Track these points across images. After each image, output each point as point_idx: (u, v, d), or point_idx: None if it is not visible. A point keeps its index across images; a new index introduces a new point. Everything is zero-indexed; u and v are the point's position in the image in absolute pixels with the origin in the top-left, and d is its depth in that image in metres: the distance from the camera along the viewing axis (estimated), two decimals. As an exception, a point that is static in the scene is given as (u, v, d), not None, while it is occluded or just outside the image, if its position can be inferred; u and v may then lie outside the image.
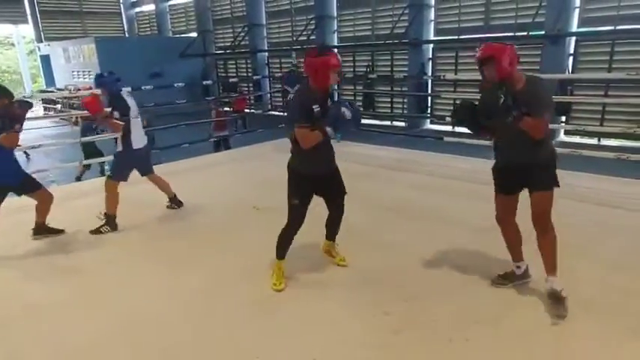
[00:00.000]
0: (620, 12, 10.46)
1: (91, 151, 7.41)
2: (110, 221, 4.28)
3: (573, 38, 11.29)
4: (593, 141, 11.20)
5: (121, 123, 4.16)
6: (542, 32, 11.26)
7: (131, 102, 4.26)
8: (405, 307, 2.89)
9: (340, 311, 2.90)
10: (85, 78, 20.95)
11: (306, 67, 2.84)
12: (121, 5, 27.45)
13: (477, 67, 2.75)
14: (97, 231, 4.21)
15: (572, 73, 11.25)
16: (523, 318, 2.74)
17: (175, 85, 6.80)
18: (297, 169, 3.02)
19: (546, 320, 2.68)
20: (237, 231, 4.29)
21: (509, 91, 2.62)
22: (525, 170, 2.77)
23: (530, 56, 11.94)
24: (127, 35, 27.24)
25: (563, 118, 11.52)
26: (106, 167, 6.77)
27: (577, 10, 11.16)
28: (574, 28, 11.29)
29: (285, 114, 3.05)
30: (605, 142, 11.11)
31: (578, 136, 11.54)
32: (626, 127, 8.67)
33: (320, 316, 2.87)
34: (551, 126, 3.03)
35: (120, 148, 4.30)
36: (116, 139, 4.36)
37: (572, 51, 11.37)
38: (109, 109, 4.26)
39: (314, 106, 2.79)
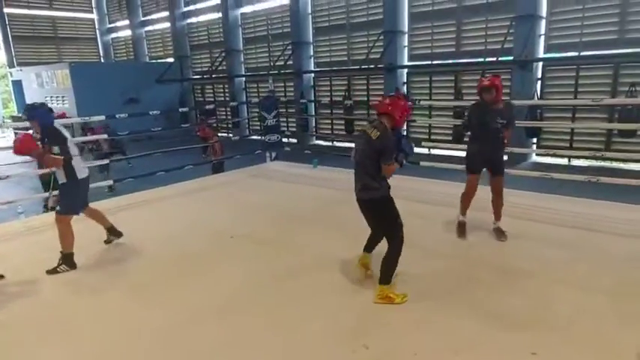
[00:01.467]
0: (584, 39, 10.96)
1: (47, 181, 7.09)
2: (67, 260, 4.01)
3: (540, 63, 11.74)
4: (564, 161, 11.54)
5: (59, 158, 3.88)
6: (511, 58, 11.67)
7: (67, 133, 4.04)
8: (385, 338, 2.86)
9: (319, 345, 2.84)
10: (59, 104, 20.62)
11: (397, 109, 3.20)
12: (97, 31, 27.35)
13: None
14: (54, 271, 3.96)
15: (540, 96, 11.65)
16: (501, 347, 2.74)
17: (151, 113, 6.72)
18: (387, 194, 3.31)
19: (525, 347, 2.69)
20: (212, 262, 4.19)
21: (494, 110, 4.15)
22: (495, 161, 4.33)
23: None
24: (102, 60, 27.07)
25: (535, 140, 11.88)
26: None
27: (542, 37, 11.65)
28: (541, 54, 11.76)
29: (364, 151, 3.26)
30: (575, 162, 11.45)
31: (548, 157, 11.87)
32: (594, 151, 9.01)
33: (300, 349, 2.81)
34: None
35: (64, 179, 4.01)
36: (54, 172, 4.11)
37: (539, 75, 11.81)
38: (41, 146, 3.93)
39: None
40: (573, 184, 5.86)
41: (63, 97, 20.38)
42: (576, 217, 4.84)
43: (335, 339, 2.89)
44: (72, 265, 4.03)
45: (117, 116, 6.30)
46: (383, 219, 3.33)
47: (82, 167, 4.16)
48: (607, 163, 10.83)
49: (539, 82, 11.82)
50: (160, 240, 4.74)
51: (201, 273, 3.95)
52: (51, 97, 21.37)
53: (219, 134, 17.26)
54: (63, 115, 17.50)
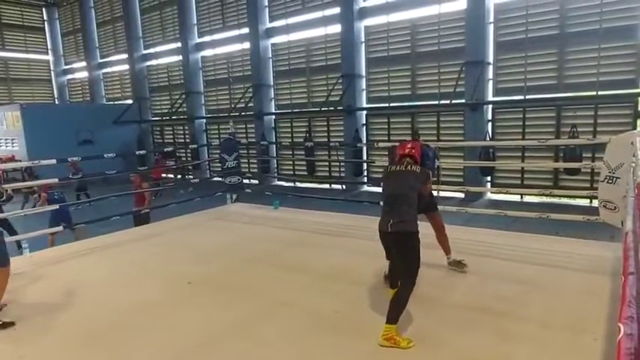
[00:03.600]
0: (528, 83, 11.75)
1: None
2: None
3: (490, 106, 12.43)
4: (517, 197, 12.02)
5: None
6: (463, 100, 12.29)
7: None
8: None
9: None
10: (8, 146, 19.81)
11: (417, 150, 3.74)
12: (52, 72, 26.82)
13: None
14: None
15: (491, 136, 12.26)
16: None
17: (105, 155, 6.52)
18: (417, 229, 3.36)
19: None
20: (169, 310, 3.97)
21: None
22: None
23: (455, 122, 12.94)
24: (57, 102, 26.42)
25: (489, 178, 12.38)
26: (25, 245, 6.10)
27: (491, 82, 12.39)
28: (490, 97, 12.47)
29: (409, 183, 3.54)
30: (527, 198, 11.95)
31: (502, 194, 12.33)
32: (543, 188, 9.48)
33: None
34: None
35: None
36: None
37: (490, 117, 12.47)
38: None
39: None
40: (526, 220, 6.09)
41: (12, 139, 19.62)
42: (531, 253, 4.96)
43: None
44: None
45: (69, 159, 6.06)
46: (410, 253, 3.34)
47: None
48: (556, 199, 11.37)
49: (490, 124, 12.46)
50: (114, 287, 4.48)
51: (156, 322, 3.72)
52: (-1, 139, 20.59)
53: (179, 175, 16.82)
54: (12, 158, 16.75)
